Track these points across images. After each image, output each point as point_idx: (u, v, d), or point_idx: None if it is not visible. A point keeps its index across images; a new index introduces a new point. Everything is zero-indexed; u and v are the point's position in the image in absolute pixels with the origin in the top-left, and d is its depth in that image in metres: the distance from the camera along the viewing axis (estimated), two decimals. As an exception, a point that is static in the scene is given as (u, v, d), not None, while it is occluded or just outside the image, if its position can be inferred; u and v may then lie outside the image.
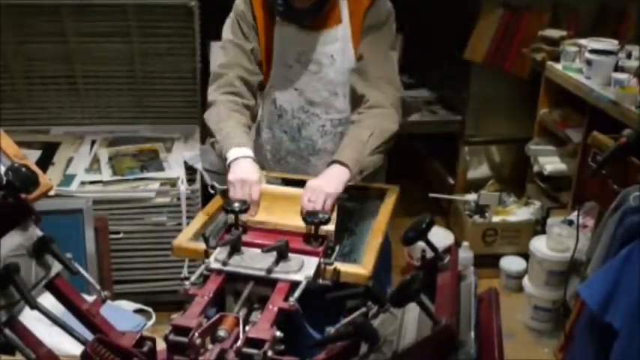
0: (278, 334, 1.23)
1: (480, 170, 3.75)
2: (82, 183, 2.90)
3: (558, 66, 3.08)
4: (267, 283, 1.42)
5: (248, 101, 1.95)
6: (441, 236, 3.24)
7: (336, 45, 1.95)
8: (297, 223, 1.62)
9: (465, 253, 3.20)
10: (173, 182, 2.94)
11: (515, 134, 3.64)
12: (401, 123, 1.92)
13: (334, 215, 1.65)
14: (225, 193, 1.74)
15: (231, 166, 1.74)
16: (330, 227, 1.61)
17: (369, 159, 1.81)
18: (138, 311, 2.50)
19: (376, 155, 1.83)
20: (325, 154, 2.01)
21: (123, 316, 2.32)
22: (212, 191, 1.83)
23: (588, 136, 2.33)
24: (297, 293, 1.36)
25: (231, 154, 1.76)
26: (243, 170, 1.71)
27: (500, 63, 3.44)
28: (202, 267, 1.45)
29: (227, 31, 2.00)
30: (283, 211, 1.66)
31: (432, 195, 3.49)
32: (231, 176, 1.71)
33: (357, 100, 1.95)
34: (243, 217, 1.63)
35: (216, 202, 1.83)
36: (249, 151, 1.77)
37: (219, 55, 2.02)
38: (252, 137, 2.14)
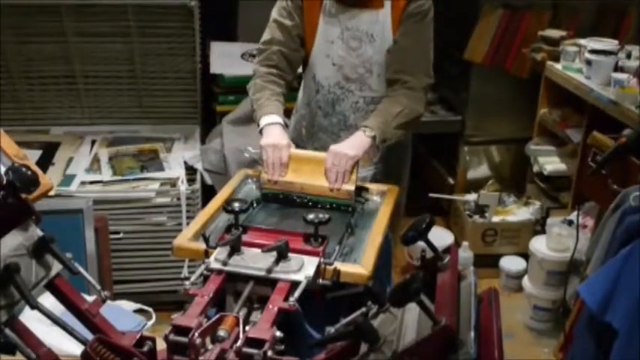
0: (278, 334, 1.23)
1: (479, 170, 3.75)
2: (82, 183, 2.90)
3: (558, 66, 3.07)
4: (267, 283, 1.42)
5: (285, 74, 2.13)
6: (441, 236, 3.24)
7: (377, 26, 2.08)
8: (322, 183, 1.86)
9: (465, 253, 3.19)
10: (173, 182, 2.94)
11: (515, 134, 3.63)
12: (425, 107, 2.14)
13: (354, 177, 1.86)
14: (259, 159, 1.94)
15: (263, 132, 1.96)
16: (351, 187, 1.85)
17: (394, 131, 2.00)
18: (138, 311, 2.49)
19: (400, 130, 2.02)
20: (355, 130, 2.06)
21: (123, 316, 2.32)
22: (247, 155, 2.12)
23: (588, 136, 2.32)
24: (297, 293, 1.36)
25: (262, 121, 1.98)
26: (274, 136, 1.93)
27: (501, 63, 3.44)
28: (202, 267, 1.45)
29: (274, 10, 2.16)
30: (310, 172, 1.86)
31: (432, 195, 3.48)
32: (263, 141, 1.92)
33: (392, 81, 2.10)
34: (274, 177, 1.85)
35: (216, 202, 1.83)
36: (278, 118, 1.98)
37: (264, 33, 2.18)
38: (295, 112, 2.38)
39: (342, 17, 2.09)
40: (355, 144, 1.91)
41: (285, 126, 2.04)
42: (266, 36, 2.16)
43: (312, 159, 1.91)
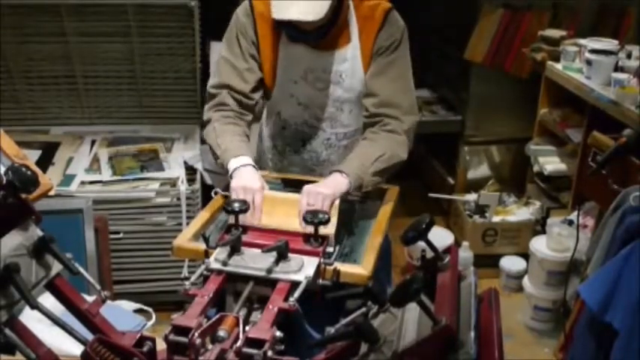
0: (278, 334, 1.23)
1: (480, 170, 3.75)
2: (82, 183, 2.90)
3: (558, 66, 3.08)
4: (267, 283, 1.41)
5: (243, 116, 1.92)
6: (441, 236, 3.24)
7: (345, 65, 1.90)
8: (297, 226, 1.63)
9: (465, 253, 3.19)
10: (173, 182, 2.94)
11: (515, 134, 3.64)
12: (410, 151, 1.90)
13: (334, 220, 1.64)
14: (228, 199, 1.74)
15: (233, 175, 1.75)
16: (330, 230, 1.60)
17: (371, 179, 1.79)
18: (138, 311, 2.49)
19: (377, 177, 1.81)
20: (329, 164, 1.99)
21: (123, 316, 2.32)
22: (214, 196, 1.84)
23: (588, 136, 2.33)
24: (297, 293, 1.36)
25: (231, 165, 1.77)
26: (246, 178, 1.72)
27: (501, 63, 3.44)
28: (202, 267, 1.45)
29: (224, 46, 1.94)
30: (284, 215, 1.67)
31: (432, 195, 3.49)
32: (233, 183, 1.71)
33: (371, 123, 1.90)
34: (247, 222, 1.63)
35: (217, 201, 1.83)
36: (248, 159, 1.78)
37: (214, 72, 1.99)
38: (254, 147, 2.14)
39: (304, 59, 1.89)
40: (331, 184, 1.72)
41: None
42: (215, 79, 1.93)
43: (286, 200, 1.72)
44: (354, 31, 1.89)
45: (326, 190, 1.67)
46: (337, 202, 1.68)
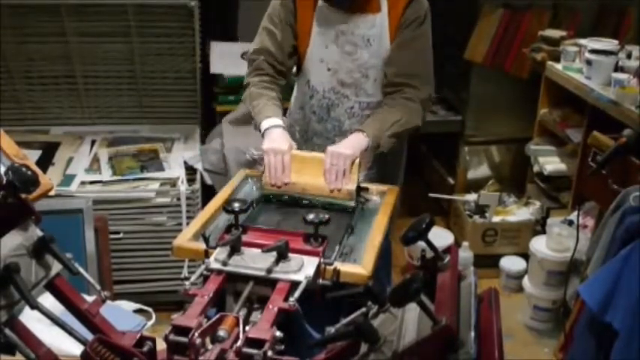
0: (278, 334, 1.23)
1: (480, 170, 3.75)
2: (82, 183, 2.90)
3: (558, 66, 3.08)
4: (267, 283, 1.42)
5: (277, 80, 2.13)
6: (441, 236, 3.24)
7: (374, 30, 2.06)
8: (323, 184, 1.86)
9: (465, 253, 3.19)
10: (173, 182, 2.94)
11: (515, 134, 3.64)
12: (424, 120, 2.10)
13: (355, 177, 1.86)
14: (261, 160, 1.94)
15: (265, 135, 1.96)
16: (351, 187, 1.84)
17: (387, 140, 1.97)
18: (138, 311, 2.49)
19: (393, 139, 1.99)
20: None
21: (123, 316, 2.32)
22: (249, 158, 2.11)
23: (588, 136, 2.33)
24: (297, 293, 1.36)
25: (263, 125, 1.98)
26: (275, 140, 1.93)
27: (501, 63, 3.44)
28: (202, 267, 1.45)
29: (265, 17, 2.14)
30: (312, 173, 1.88)
31: (432, 195, 3.49)
32: (265, 145, 1.92)
33: (390, 92, 2.07)
34: (277, 183, 1.86)
35: (216, 202, 1.83)
36: (278, 121, 1.98)
37: (255, 39, 2.18)
38: (288, 115, 2.34)
39: (337, 22, 2.07)
40: (352, 144, 1.90)
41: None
42: (255, 44, 2.15)
43: (314, 159, 1.91)
44: (384, 3, 2.06)
45: (347, 151, 1.87)
46: (358, 160, 1.87)
